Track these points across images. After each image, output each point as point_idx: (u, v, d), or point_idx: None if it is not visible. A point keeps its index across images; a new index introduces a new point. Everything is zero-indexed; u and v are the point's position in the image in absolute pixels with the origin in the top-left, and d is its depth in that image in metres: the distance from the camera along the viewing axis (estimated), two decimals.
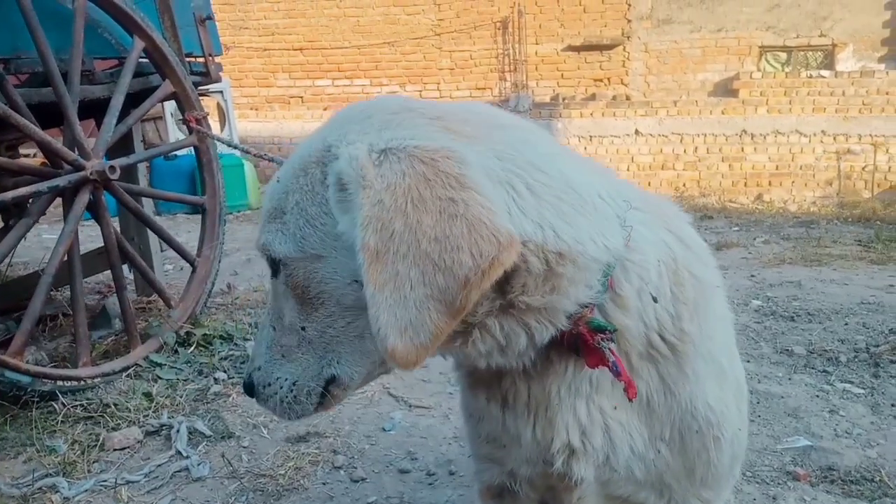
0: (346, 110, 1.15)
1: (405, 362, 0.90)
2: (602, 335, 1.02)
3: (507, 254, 0.89)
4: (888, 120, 11.73)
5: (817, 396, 3.03)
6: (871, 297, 4.38)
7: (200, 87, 4.27)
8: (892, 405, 2.92)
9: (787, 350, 3.54)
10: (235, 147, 3.46)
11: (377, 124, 1.02)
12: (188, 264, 4.09)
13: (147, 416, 2.98)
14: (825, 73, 11.97)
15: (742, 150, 12.11)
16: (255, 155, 3.10)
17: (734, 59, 12.43)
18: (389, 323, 0.89)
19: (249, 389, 1.24)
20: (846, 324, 3.88)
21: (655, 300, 1.08)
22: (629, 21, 12.72)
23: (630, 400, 1.05)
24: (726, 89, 12.40)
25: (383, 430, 2.96)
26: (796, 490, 2.39)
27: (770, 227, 7.27)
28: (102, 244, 3.51)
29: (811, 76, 11.84)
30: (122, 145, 3.89)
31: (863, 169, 11.87)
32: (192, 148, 4.14)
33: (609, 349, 1.02)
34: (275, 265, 1.13)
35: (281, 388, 1.18)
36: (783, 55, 12.59)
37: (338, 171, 0.98)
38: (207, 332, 3.84)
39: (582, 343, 1.03)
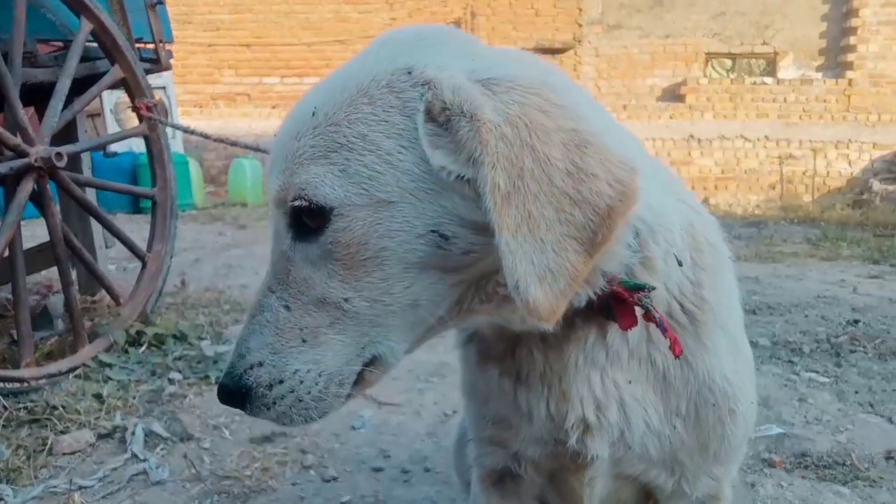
0: (399, 34, 1.02)
1: (547, 314, 0.82)
2: (641, 293, 0.97)
3: (639, 181, 0.85)
4: (826, 127, 12.27)
5: (785, 385, 3.07)
6: (826, 292, 4.51)
7: (149, 76, 4.06)
8: (856, 392, 2.98)
9: (753, 342, 3.53)
10: (191, 132, 3.28)
11: (456, 51, 0.94)
12: (132, 263, 3.87)
13: (98, 418, 2.78)
14: (768, 79, 12.43)
15: (689, 154, 12.46)
16: (216, 139, 2.94)
17: (682, 65, 12.77)
18: (528, 272, 0.81)
19: (236, 395, 0.96)
20: (806, 316, 3.97)
21: (680, 264, 1.04)
22: (580, 25, 12.93)
23: (676, 357, 0.99)
24: (674, 94, 12.74)
25: (353, 429, 2.84)
26: (773, 476, 2.40)
27: (722, 227, 7.45)
28: (37, 242, 3.27)
29: (755, 83, 12.28)
30: (65, 135, 3.65)
31: (803, 173, 12.37)
32: (142, 139, 3.92)
33: (653, 306, 0.97)
34: (315, 219, 0.91)
35: (302, 382, 0.95)
36: (728, 62, 13.02)
37: (434, 98, 0.86)
38: (160, 332, 3.64)
39: (617, 303, 0.98)
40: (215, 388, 3.26)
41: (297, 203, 0.91)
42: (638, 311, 0.99)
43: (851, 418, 2.76)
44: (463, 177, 0.85)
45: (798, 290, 4.60)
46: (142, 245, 3.86)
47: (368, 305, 0.93)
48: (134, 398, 2.99)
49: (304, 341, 0.95)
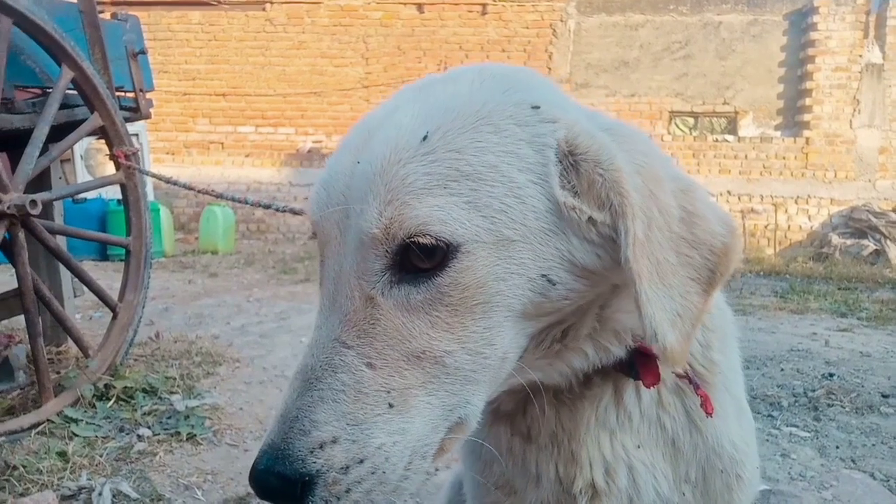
0: (496, 67, 0.97)
1: (679, 357, 0.82)
2: None
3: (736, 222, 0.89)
4: (786, 183, 12.71)
5: (767, 440, 3.07)
6: (798, 345, 4.58)
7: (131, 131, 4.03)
8: (837, 447, 3.00)
9: None
10: (172, 183, 3.24)
11: (556, 93, 0.94)
12: (97, 312, 3.76)
13: (63, 478, 2.64)
14: (729, 137, 12.89)
15: None
16: (200, 191, 2.90)
17: (646, 123, 13.16)
18: (663, 319, 0.80)
19: (291, 485, 0.75)
20: (782, 370, 4.01)
21: None
22: None
23: (708, 415, 0.98)
24: None
25: None
26: None
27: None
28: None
29: (717, 140, 12.71)
30: (38, 181, 3.58)
31: (765, 227, 12.72)
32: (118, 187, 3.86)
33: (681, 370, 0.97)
34: (432, 257, 0.79)
35: (387, 459, 0.78)
36: (691, 120, 13.48)
37: (567, 139, 0.83)
38: (129, 385, 3.50)
39: (641, 360, 0.97)
40: (186, 445, 3.14)
41: (417, 239, 0.78)
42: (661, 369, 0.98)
43: (835, 474, 2.76)
44: (592, 219, 0.83)
45: (771, 343, 4.66)
46: (111, 294, 3.75)
47: (470, 360, 0.82)
48: (101, 456, 2.85)
49: (391, 406, 0.79)
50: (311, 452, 0.76)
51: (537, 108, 0.87)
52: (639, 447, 1.07)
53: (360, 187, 0.82)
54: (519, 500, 1.15)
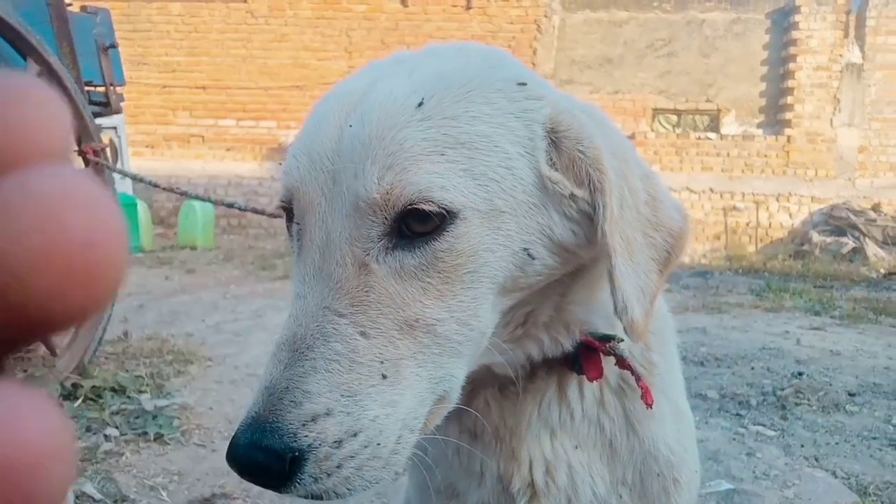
0: (472, 45, 0.99)
1: (641, 330, 0.87)
2: (611, 343, 0.99)
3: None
4: (767, 180, 12.82)
5: (734, 439, 3.10)
6: (770, 343, 4.62)
7: (99, 118, 3.98)
8: (802, 446, 3.03)
9: (702, 394, 3.63)
10: (138, 179, 3.20)
11: (533, 77, 0.95)
12: None
13: None
14: (711, 135, 12.97)
15: None
16: (165, 189, 2.87)
17: (630, 120, 13.22)
18: (631, 293, 0.85)
19: (278, 462, 0.70)
20: (752, 368, 4.05)
21: (620, 342, 1.03)
22: None
23: (648, 406, 1.00)
24: None
25: None
26: None
27: (670, 277, 7.65)
28: None
29: (699, 138, 12.79)
30: None
31: (747, 224, 12.84)
32: None
33: (625, 355, 0.99)
34: (429, 223, 0.79)
35: (381, 431, 0.76)
36: (674, 117, 13.55)
37: (552, 116, 0.87)
38: (97, 384, 3.47)
39: (585, 353, 0.99)
40: (153, 445, 3.10)
41: (419, 206, 0.77)
42: (606, 361, 1.00)
43: (798, 473, 2.79)
44: (572, 195, 0.86)
45: (744, 341, 4.71)
46: None
47: (458, 330, 0.82)
48: None
49: (384, 377, 0.76)
50: (304, 425, 0.72)
51: (524, 84, 0.89)
52: (577, 447, 1.08)
53: (353, 151, 0.80)
54: (461, 502, 1.15)
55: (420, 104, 0.81)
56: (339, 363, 0.75)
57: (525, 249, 0.85)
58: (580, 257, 0.90)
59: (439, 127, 0.80)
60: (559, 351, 0.98)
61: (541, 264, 0.87)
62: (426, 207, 0.77)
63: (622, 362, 0.99)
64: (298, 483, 0.72)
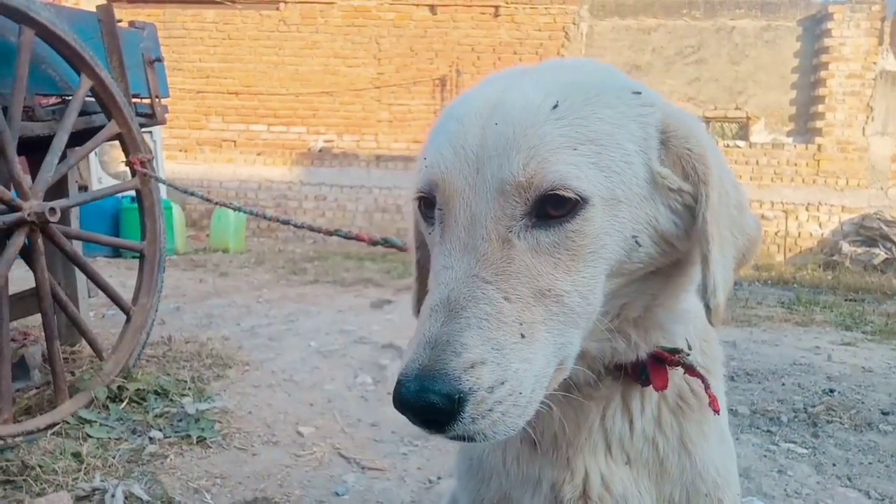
0: (588, 62, 1.13)
1: (721, 316, 0.99)
2: (679, 354, 1.08)
3: None
4: (797, 189, 12.66)
5: (765, 456, 3.11)
6: (801, 359, 4.60)
7: (145, 129, 4.12)
8: (834, 465, 3.03)
9: (732, 410, 3.64)
10: (185, 192, 3.32)
11: (645, 88, 1.06)
12: (110, 311, 3.84)
13: (77, 479, 2.72)
14: (740, 143, 12.85)
15: None
16: (217, 203, 2.97)
17: None
18: (720, 280, 0.96)
19: (445, 402, 0.82)
20: (783, 384, 4.04)
21: (690, 348, 1.12)
22: None
23: (716, 412, 1.10)
24: None
25: (336, 495, 2.81)
26: None
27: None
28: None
29: (728, 146, 12.68)
30: (56, 187, 3.67)
31: (775, 234, 12.69)
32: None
33: (696, 366, 1.08)
34: (563, 207, 0.91)
35: (521, 383, 0.87)
36: (702, 125, 13.46)
37: (663, 118, 0.99)
38: (141, 387, 3.59)
39: (654, 364, 1.07)
40: (196, 448, 3.21)
41: (557, 192, 0.90)
42: (671, 375, 1.09)
43: (830, 492, 2.80)
44: (678, 189, 0.98)
45: (774, 356, 4.69)
46: (122, 292, 3.84)
47: (580, 303, 0.93)
48: (114, 457, 2.93)
49: (522, 336, 0.88)
50: (465, 371, 0.83)
51: (638, 93, 1.01)
52: (627, 464, 1.14)
53: (498, 145, 0.92)
54: None
55: (555, 106, 0.94)
56: (488, 321, 0.86)
57: (634, 237, 0.96)
58: (676, 251, 1.02)
59: (572, 125, 0.93)
60: (633, 356, 1.06)
61: (644, 252, 0.98)
62: (564, 193, 0.90)
63: (692, 371, 1.08)
64: (460, 422, 0.83)
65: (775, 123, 13.06)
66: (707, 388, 1.09)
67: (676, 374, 1.15)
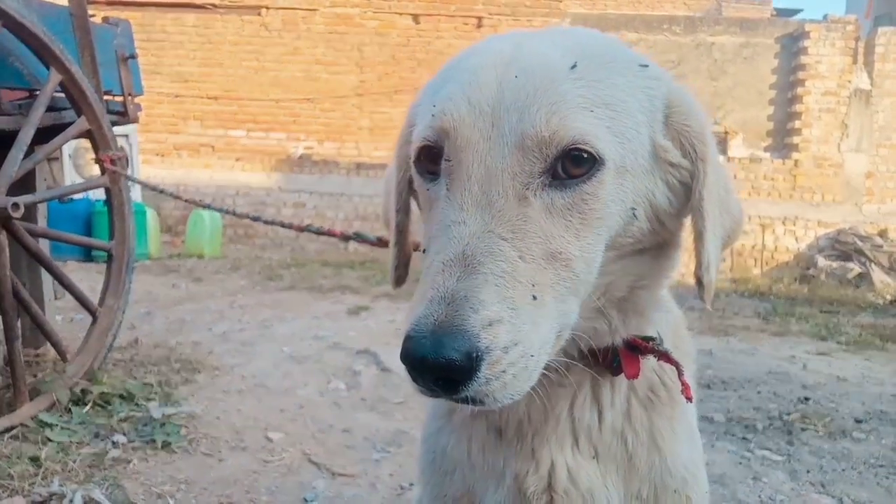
0: (593, 32, 1.10)
1: (711, 291, 1.01)
2: (653, 342, 1.06)
3: None
4: (774, 204, 12.83)
5: (740, 464, 3.09)
6: (777, 367, 4.61)
7: (119, 132, 4.03)
8: (808, 472, 3.03)
9: (708, 417, 3.62)
10: (157, 189, 3.24)
11: (651, 62, 1.05)
12: (79, 314, 3.73)
13: (34, 483, 2.62)
14: (719, 157, 13.00)
15: None
16: (185, 200, 2.90)
17: None
18: (711, 256, 0.98)
19: (463, 359, 0.78)
20: (759, 392, 4.05)
21: (661, 342, 1.08)
22: None
23: (689, 400, 1.08)
24: None
25: (305, 501, 2.74)
26: None
27: (675, 298, 7.64)
28: None
29: None
30: (23, 183, 3.56)
31: (753, 247, 12.82)
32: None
33: (670, 352, 1.06)
34: (581, 167, 0.89)
35: (531, 345, 0.84)
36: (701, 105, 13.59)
37: (673, 98, 1.00)
38: (106, 391, 3.48)
39: (626, 353, 1.05)
40: (161, 453, 3.11)
41: (578, 146, 0.88)
42: (643, 364, 1.07)
43: (804, 498, 2.79)
44: (677, 164, 0.98)
45: (750, 365, 4.70)
46: (92, 296, 3.73)
47: (585, 269, 0.91)
48: (74, 462, 2.84)
49: (534, 298, 0.85)
50: (483, 328, 0.79)
51: (646, 66, 1.01)
52: (594, 457, 1.10)
53: (517, 99, 0.90)
54: None
55: (573, 66, 0.93)
56: (504, 279, 0.83)
57: (633, 209, 0.96)
58: (665, 230, 1.02)
59: (589, 87, 0.92)
60: (610, 341, 1.04)
61: (637, 227, 0.98)
62: (585, 148, 0.89)
63: (666, 357, 1.06)
64: (475, 381, 0.79)
65: (753, 138, 13.23)
66: (681, 374, 1.06)
67: (648, 368, 1.12)
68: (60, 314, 5.40)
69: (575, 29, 1.17)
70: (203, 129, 13.66)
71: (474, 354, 0.78)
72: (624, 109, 0.93)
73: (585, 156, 0.89)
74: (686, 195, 1.00)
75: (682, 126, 0.99)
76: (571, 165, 0.89)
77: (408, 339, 0.80)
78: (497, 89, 0.92)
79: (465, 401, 0.82)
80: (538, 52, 0.96)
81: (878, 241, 12.39)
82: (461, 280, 0.82)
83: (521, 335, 0.82)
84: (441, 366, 0.78)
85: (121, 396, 3.52)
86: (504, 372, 0.81)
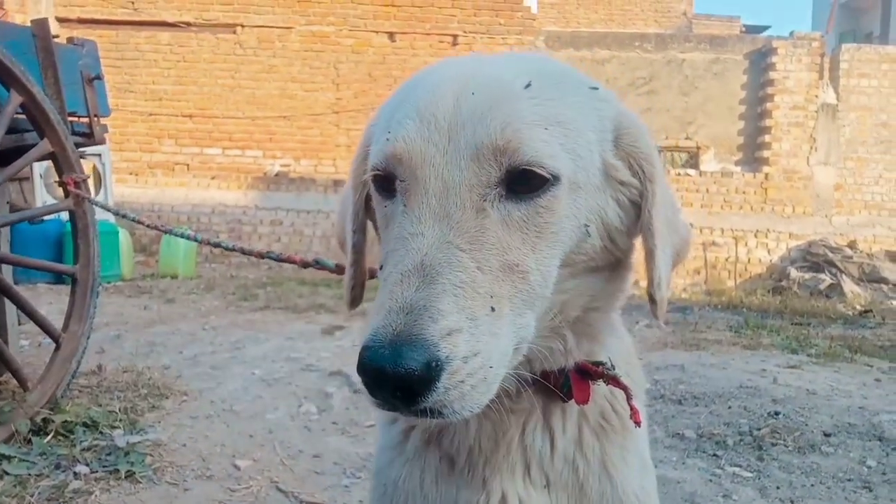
0: (543, 57, 1.13)
1: (663, 309, 1.03)
2: (603, 367, 1.06)
3: None
4: (745, 217, 13.02)
5: (710, 481, 3.10)
6: (748, 381, 4.64)
7: (81, 149, 3.97)
8: (778, 488, 3.04)
9: (679, 434, 3.63)
10: (121, 214, 3.18)
11: (599, 85, 1.07)
12: (47, 339, 3.65)
13: None
14: (691, 171, 13.18)
15: None
16: (147, 225, 2.85)
17: None
18: (662, 274, 1.01)
19: (421, 371, 0.76)
20: (729, 407, 4.06)
21: (612, 368, 1.08)
22: None
23: (637, 425, 1.08)
24: None
25: None
26: None
27: (650, 312, 7.69)
28: None
29: (679, 174, 12.99)
30: None
31: (726, 260, 12.99)
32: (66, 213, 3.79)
33: (620, 376, 1.06)
34: (533, 182, 0.91)
35: (490, 357, 0.83)
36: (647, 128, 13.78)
37: (622, 120, 1.02)
38: (68, 419, 3.40)
39: (577, 378, 1.05)
40: (124, 483, 3.03)
41: (532, 168, 0.90)
42: (593, 391, 1.08)
43: None
44: (625, 183, 1.01)
45: (721, 379, 4.73)
46: (61, 320, 3.65)
47: (541, 282, 0.92)
48: (32, 496, 2.75)
49: (492, 310, 0.85)
50: (442, 338, 0.79)
51: (595, 88, 1.05)
52: (545, 486, 1.09)
53: (473, 114, 0.92)
54: None
55: (527, 85, 0.95)
56: (463, 290, 0.83)
57: (586, 225, 0.98)
58: (617, 248, 1.03)
59: (543, 105, 0.95)
60: (563, 363, 1.03)
61: (590, 244, 1.00)
62: (538, 171, 0.91)
63: (616, 381, 1.06)
64: (434, 391, 0.78)
65: (724, 153, 13.45)
66: (629, 399, 1.06)
67: (600, 395, 1.12)
68: (28, 338, 5.29)
69: (529, 53, 1.21)
70: (178, 147, 13.56)
71: (434, 364, 0.77)
72: (576, 128, 0.96)
73: (539, 174, 0.91)
74: (636, 214, 1.03)
75: (632, 147, 1.02)
76: (527, 179, 0.91)
77: (365, 350, 0.79)
78: (454, 105, 0.94)
79: (424, 413, 0.81)
80: (494, 72, 0.99)
81: (848, 252, 12.63)
82: (419, 290, 0.82)
83: (481, 345, 0.82)
84: (400, 376, 0.76)
85: (84, 425, 3.43)
86: (463, 382, 0.80)
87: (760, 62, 13.36)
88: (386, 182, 0.99)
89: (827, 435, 3.63)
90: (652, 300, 1.03)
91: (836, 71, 13.29)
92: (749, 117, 13.43)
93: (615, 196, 1.01)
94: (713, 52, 13.46)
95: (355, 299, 1.21)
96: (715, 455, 3.39)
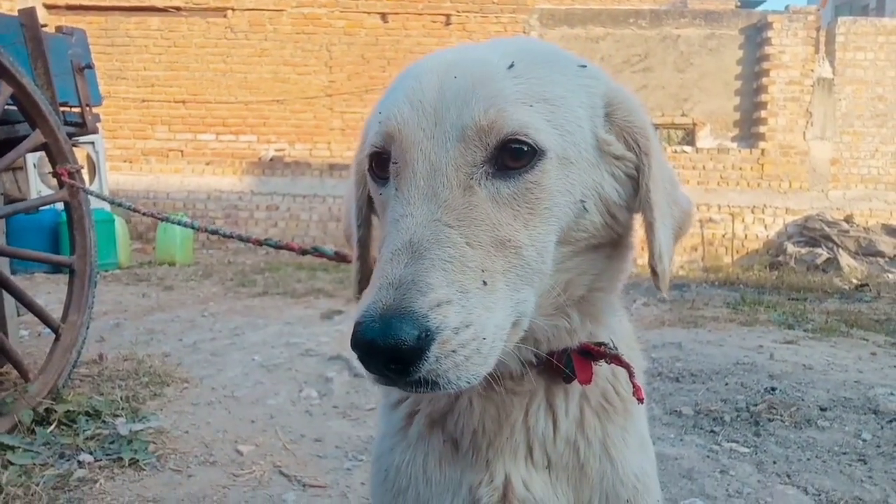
0: (534, 39, 1.18)
1: (666, 281, 1.04)
2: (605, 347, 1.07)
3: None
4: (742, 193, 13.02)
5: (707, 457, 3.13)
6: (744, 358, 4.68)
7: (74, 138, 3.95)
8: (774, 462, 3.08)
9: (677, 411, 3.67)
10: (116, 203, 3.18)
11: (590, 63, 1.09)
12: (47, 329, 3.66)
13: None
14: (687, 148, 13.15)
15: None
16: (143, 213, 2.85)
17: None
18: (664, 246, 1.01)
19: (411, 341, 0.79)
20: (726, 384, 4.10)
21: (614, 349, 1.10)
22: None
23: (640, 401, 1.10)
24: None
25: None
26: None
27: (647, 290, 7.73)
28: None
29: (676, 151, 12.96)
30: None
31: (723, 236, 13.01)
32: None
33: (620, 355, 1.08)
34: (521, 159, 0.92)
35: (484, 328, 0.85)
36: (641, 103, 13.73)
37: (613, 95, 1.03)
38: (71, 409, 3.42)
39: (580, 358, 1.06)
40: (128, 471, 3.06)
41: (518, 137, 0.92)
42: (596, 372, 1.09)
43: (770, 490, 2.83)
44: (620, 157, 1.02)
45: (718, 356, 4.76)
46: (60, 309, 3.66)
47: (536, 257, 0.94)
48: (37, 485, 2.77)
49: (484, 284, 0.86)
50: (431, 310, 0.81)
51: (584, 66, 1.06)
52: (547, 467, 1.11)
53: (457, 96, 0.94)
54: None
55: (511, 66, 0.97)
56: (452, 264, 0.85)
57: (582, 201, 0.98)
58: (617, 224, 1.04)
59: (527, 83, 0.96)
60: (568, 342, 1.05)
61: (589, 220, 1.00)
62: (524, 139, 0.92)
63: (618, 360, 1.07)
64: (425, 361, 0.80)
65: (720, 129, 13.40)
66: (632, 376, 1.08)
67: (602, 376, 1.13)
68: (28, 328, 5.31)
69: (517, 38, 1.23)
70: (171, 133, 13.48)
71: (423, 334, 0.79)
72: (563, 104, 0.97)
73: (525, 148, 0.92)
74: (634, 188, 1.03)
75: (625, 122, 1.02)
76: (513, 156, 0.93)
77: (357, 325, 0.82)
78: (439, 90, 0.96)
79: (419, 384, 0.82)
80: (478, 56, 1.01)
81: (845, 226, 12.65)
82: (408, 266, 0.84)
83: (473, 317, 0.83)
84: (391, 347, 0.79)
85: (87, 414, 3.45)
86: (455, 352, 0.82)
87: (756, 37, 13.27)
88: (381, 168, 1.02)
89: (823, 409, 3.67)
90: (654, 273, 1.04)
91: (832, 45, 13.21)
92: (745, 93, 13.37)
93: (611, 171, 1.02)
94: (708, 27, 13.36)
95: (363, 291, 1.23)
96: (712, 431, 3.43)
